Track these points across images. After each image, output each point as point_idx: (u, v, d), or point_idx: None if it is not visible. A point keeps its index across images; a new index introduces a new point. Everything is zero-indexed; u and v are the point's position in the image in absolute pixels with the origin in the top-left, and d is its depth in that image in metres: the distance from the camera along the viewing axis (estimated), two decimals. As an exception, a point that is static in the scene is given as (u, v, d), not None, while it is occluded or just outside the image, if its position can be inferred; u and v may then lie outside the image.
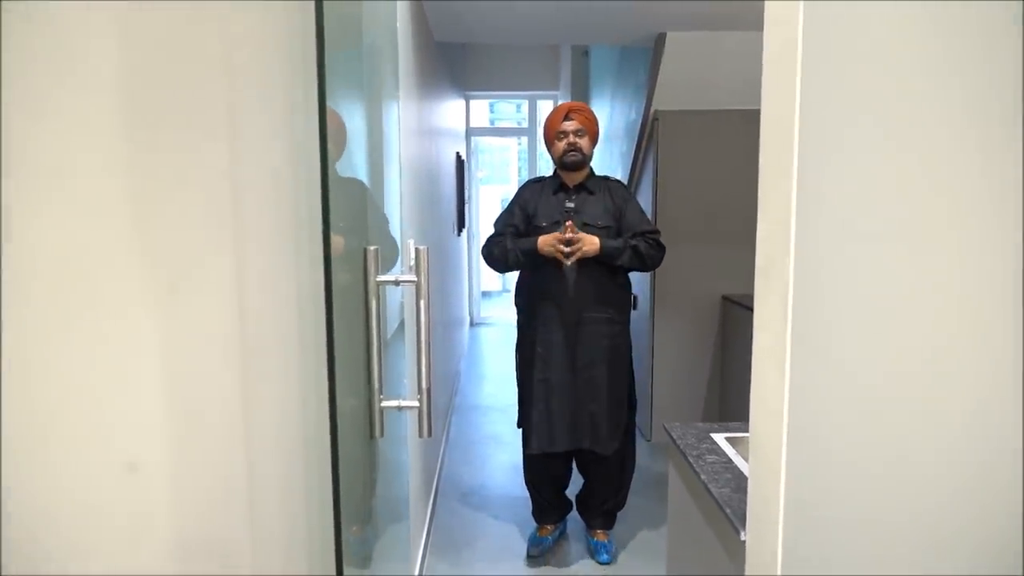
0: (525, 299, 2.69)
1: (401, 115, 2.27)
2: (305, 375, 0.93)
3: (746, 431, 1.57)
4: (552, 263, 2.54)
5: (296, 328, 0.90)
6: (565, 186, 2.65)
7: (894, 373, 0.93)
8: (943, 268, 0.92)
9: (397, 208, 1.99)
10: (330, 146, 1.28)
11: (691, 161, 3.63)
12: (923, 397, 0.94)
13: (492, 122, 9.39)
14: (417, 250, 1.44)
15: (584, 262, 2.52)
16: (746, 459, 1.43)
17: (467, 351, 6.41)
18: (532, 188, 2.72)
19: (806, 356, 0.92)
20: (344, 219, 1.30)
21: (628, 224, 2.60)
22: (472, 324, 7.61)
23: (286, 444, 0.86)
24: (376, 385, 1.41)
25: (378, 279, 1.42)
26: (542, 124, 2.81)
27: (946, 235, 0.91)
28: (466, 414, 4.59)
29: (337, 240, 1.32)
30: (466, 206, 6.31)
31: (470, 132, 7.17)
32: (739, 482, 1.26)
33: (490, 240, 2.68)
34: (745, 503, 1.15)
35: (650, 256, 2.58)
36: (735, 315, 3.56)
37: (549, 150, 2.66)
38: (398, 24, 2.15)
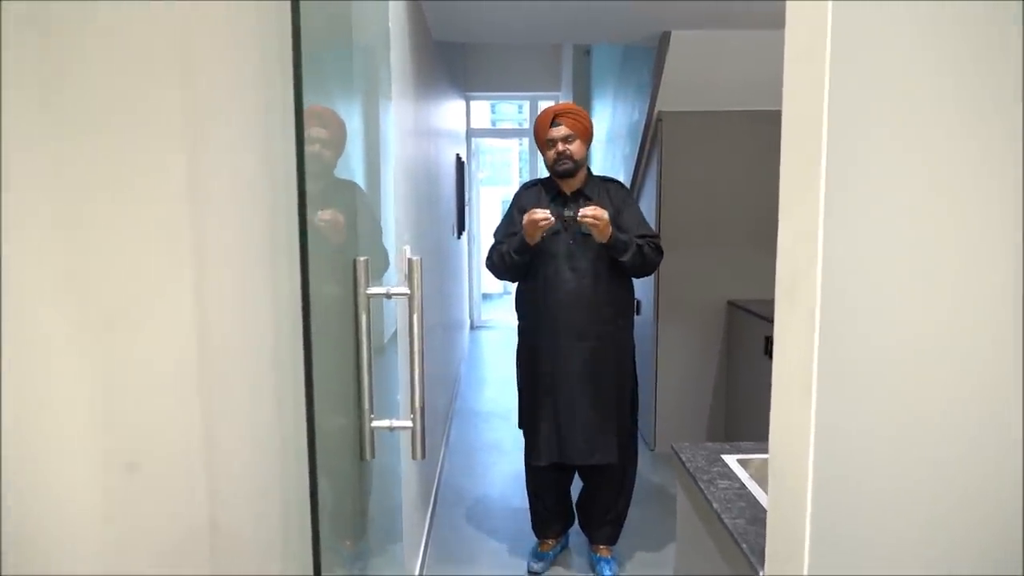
0: (526, 306, 2.60)
1: (397, 116, 2.19)
2: (283, 398, 0.84)
3: (758, 451, 1.49)
4: (551, 265, 2.46)
5: (271, 351, 0.81)
6: (562, 193, 2.56)
7: (932, 398, 0.85)
8: (985, 284, 0.83)
9: (391, 212, 1.90)
10: (328, 149, 1.20)
11: (695, 163, 3.54)
12: (965, 425, 0.85)
13: (494, 123, 9.31)
14: (410, 261, 1.36)
15: (585, 267, 2.44)
16: (760, 484, 1.34)
17: (467, 355, 6.32)
18: (530, 193, 2.63)
19: (835, 381, 0.84)
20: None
21: (625, 227, 2.51)
22: (472, 327, 7.52)
23: (258, 479, 0.78)
24: (366, 405, 1.32)
25: (369, 291, 1.33)
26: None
27: (990, 248, 0.83)
28: (466, 420, 4.50)
29: (337, 218, 1.23)
30: (466, 208, 6.23)
31: (471, 133, 7.09)
32: (755, 511, 1.18)
33: (491, 250, 2.61)
34: (762, 536, 1.07)
35: (650, 260, 2.50)
36: (741, 320, 3.47)
37: (542, 156, 2.57)
38: (393, 23, 2.07)
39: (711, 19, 3.00)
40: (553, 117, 2.48)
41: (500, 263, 2.54)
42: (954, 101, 0.81)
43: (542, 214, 2.34)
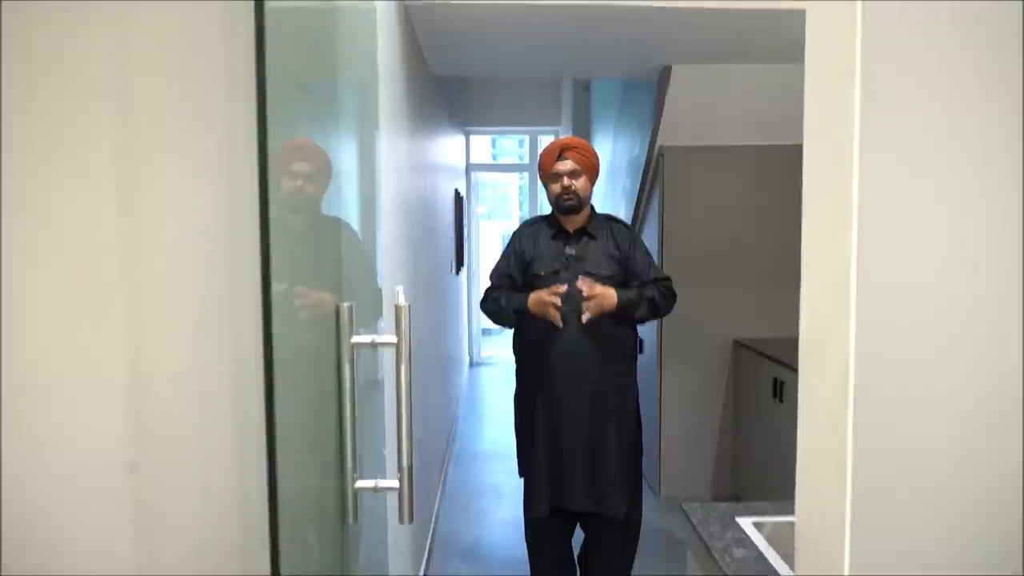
0: (524, 348, 2.50)
1: (392, 151, 2.11)
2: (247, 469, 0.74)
3: (773, 512, 1.38)
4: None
5: (231, 419, 0.71)
6: (564, 231, 2.47)
7: (983, 470, 0.74)
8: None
9: (381, 250, 1.81)
10: (311, 184, 1.12)
11: (698, 198, 3.47)
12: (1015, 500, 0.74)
13: (495, 157, 9.30)
14: (397, 307, 1.27)
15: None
16: (777, 549, 1.23)
17: (466, 392, 6.19)
18: (529, 232, 2.53)
19: (872, 453, 0.74)
20: (316, 270, 1.12)
21: (636, 272, 2.43)
22: (472, 364, 7.40)
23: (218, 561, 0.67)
24: (349, 464, 1.22)
25: (354, 341, 1.24)
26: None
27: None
28: (464, 462, 4.36)
29: (324, 298, 1.14)
30: (465, 243, 6.16)
31: (470, 168, 7.06)
32: (776, 585, 1.06)
33: (487, 293, 2.52)
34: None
35: (664, 308, 2.44)
36: (748, 360, 3.37)
37: (546, 191, 2.49)
38: (388, 57, 2.01)
39: (712, 53, 2.95)
40: (560, 151, 2.41)
41: (496, 313, 2.46)
42: (1000, 139, 0.72)
43: (555, 299, 2.25)
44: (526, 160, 7.29)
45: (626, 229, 2.53)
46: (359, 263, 1.50)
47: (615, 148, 4.68)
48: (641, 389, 2.63)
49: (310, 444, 1.05)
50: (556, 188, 2.41)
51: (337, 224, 1.46)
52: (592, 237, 2.45)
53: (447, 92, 4.76)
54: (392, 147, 2.11)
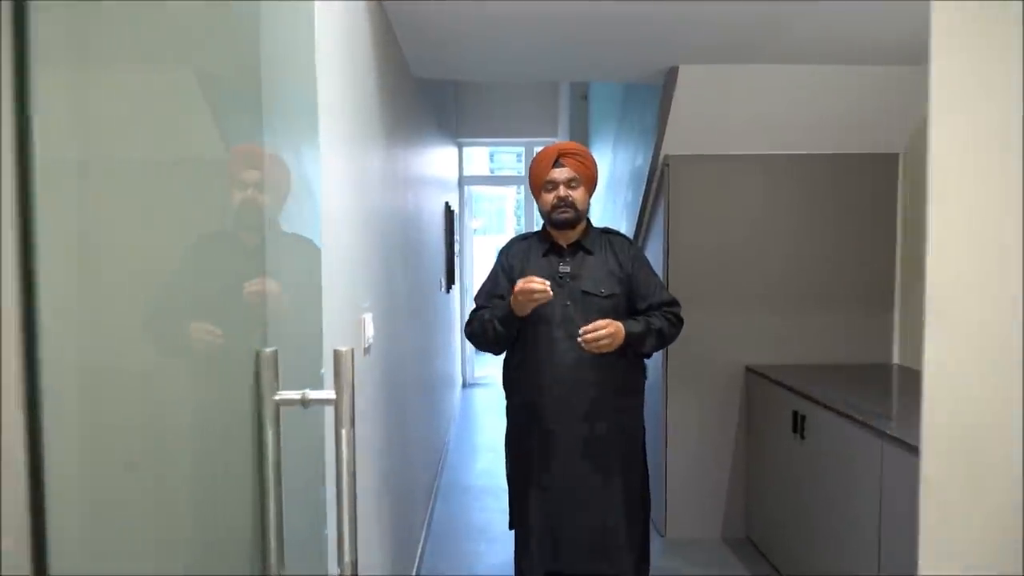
0: (515, 383, 2.20)
1: (360, 161, 1.82)
2: None
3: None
4: (544, 333, 2.07)
5: None
6: (558, 246, 2.18)
7: None
8: None
9: (334, 275, 1.51)
10: (263, 194, 0.94)
11: (707, 212, 3.17)
12: None
13: (493, 171, 9.03)
14: (337, 354, 0.98)
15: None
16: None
17: (458, 416, 5.87)
18: (518, 248, 2.25)
19: None
20: (213, 303, 0.84)
21: (641, 293, 2.14)
22: (465, 385, 7.08)
23: None
24: (272, 559, 0.93)
25: (278, 397, 0.96)
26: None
27: None
28: (453, 497, 4.04)
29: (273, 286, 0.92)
30: (457, 259, 5.87)
31: (463, 181, 6.78)
32: None
33: (472, 315, 2.23)
34: None
35: (671, 338, 2.17)
36: (762, 389, 3.06)
37: (537, 201, 2.20)
38: (348, 57, 1.72)
39: (724, 52, 2.67)
40: (557, 156, 2.12)
41: (481, 334, 2.15)
42: None
43: (539, 283, 1.94)
44: (522, 172, 7.01)
45: (627, 243, 2.24)
46: (307, 295, 1.21)
47: (615, 159, 4.39)
48: (647, 420, 2.33)
49: (208, 530, 0.77)
50: (550, 198, 2.12)
51: (306, 246, 1.19)
52: (589, 252, 2.16)
53: (436, 101, 4.48)
54: (358, 159, 1.83)
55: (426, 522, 3.53)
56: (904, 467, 1.99)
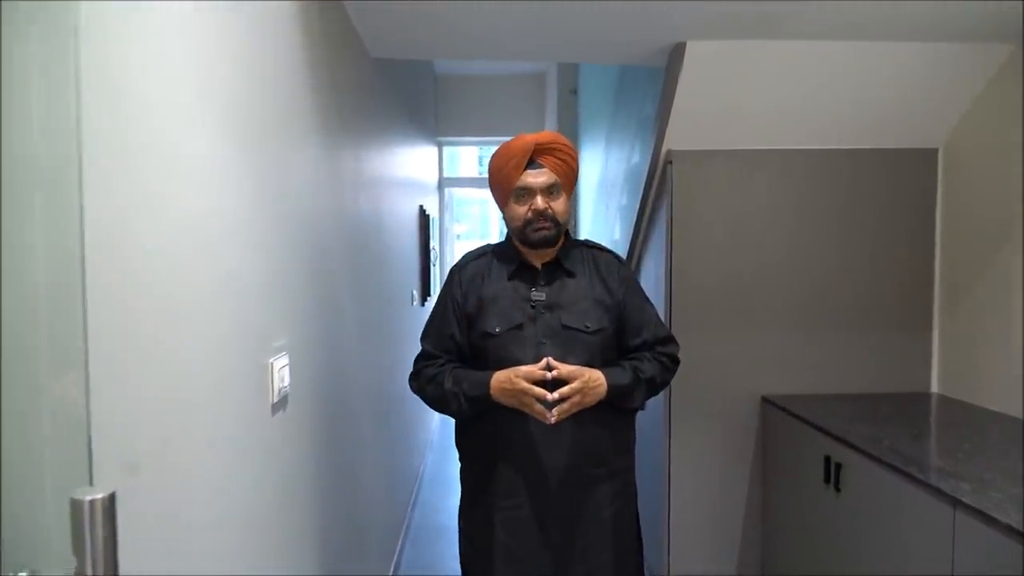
0: (474, 447, 1.72)
1: (283, 162, 1.35)
2: None
3: None
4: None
5: None
6: (528, 266, 1.68)
7: None
8: None
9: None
10: None
11: (716, 218, 2.72)
12: None
13: (482, 173, 8.54)
14: (76, 506, 0.47)
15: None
16: None
17: (435, 440, 5.38)
18: (473, 270, 1.72)
19: None
20: None
21: (633, 325, 1.68)
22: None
23: None
24: None
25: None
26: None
27: None
28: (425, 541, 3.55)
29: None
30: (433, 267, 5.39)
31: (443, 183, 6.31)
32: None
33: (418, 367, 1.73)
34: None
35: (663, 385, 1.71)
36: (781, 425, 2.60)
37: (502, 211, 1.70)
38: (260, 35, 1.25)
39: (739, 25, 2.21)
40: (532, 153, 1.61)
41: (439, 401, 1.66)
42: None
43: (538, 390, 1.51)
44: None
45: (615, 263, 1.73)
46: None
47: (608, 158, 3.94)
48: (646, 459, 1.86)
49: None
50: (522, 211, 1.62)
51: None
52: (570, 274, 1.66)
53: (410, 94, 4.02)
54: (280, 159, 1.36)
55: (393, 567, 3.05)
56: (987, 545, 1.53)
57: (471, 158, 8.74)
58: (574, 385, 1.51)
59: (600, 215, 4.04)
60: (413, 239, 4.18)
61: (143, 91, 0.85)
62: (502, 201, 1.66)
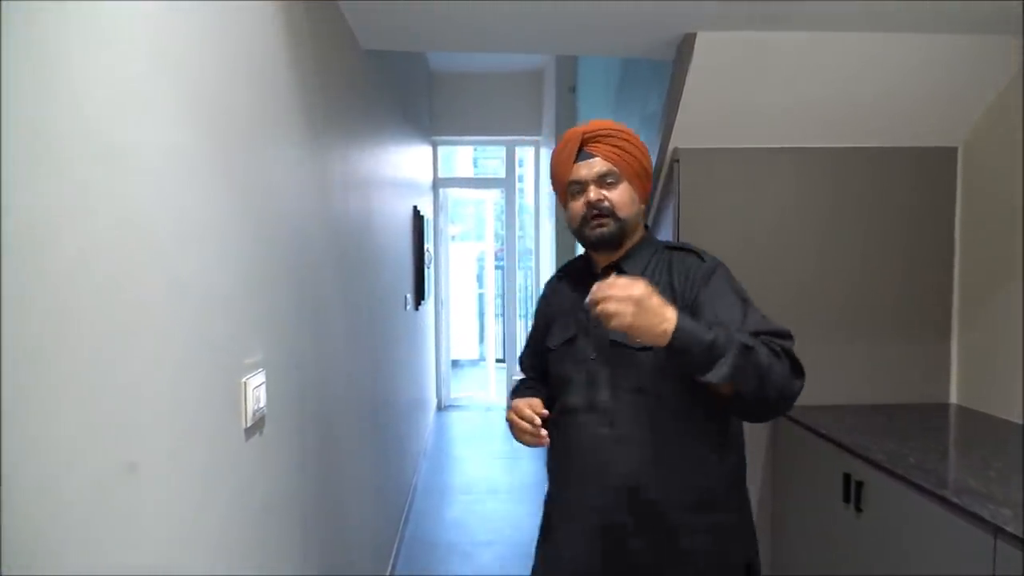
0: (549, 467, 1.57)
1: (258, 160, 1.21)
2: None
3: None
4: (568, 400, 1.44)
5: None
6: (594, 273, 1.49)
7: None
8: None
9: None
10: None
11: (725, 219, 2.59)
12: None
13: (478, 174, 8.40)
14: None
15: (624, 405, 1.36)
16: None
17: (430, 447, 5.24)
18: (555, 281, 1.61)
19: None
20: None
21: (709, 323, 1.29)
22: (440, 408, 6.45)
23: None
24: None
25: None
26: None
27: None
28: (419, 554, 3.40)
29: None
30: (428, 269, 5.25)
31: (438, 183, 6.16)
32: None
33: (518, 383, 1.66)
34: None
35: (777, 375, 1.24)
36: (794, 437, 2.47)
37: (565, 213, 1.50)
38: (241, 30, 1.10)
39: (754, 14, 2.08)
40: (581, 142, 1.40)
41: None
42: None
43: (527, 422, 1.36)
44: (501, 174, 6.40)
45: (695, 261, 1.41)
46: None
47: (608, 157, 3.80)
48: None
49: None
50: (578, 207, 1.41)
51: None
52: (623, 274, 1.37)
53: (404, 92, 3.88)
54: (257, 153, 1.22)
55: (383, 593, 2.91)
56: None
57: (466, 158, 8.61)
58: (603, 288, 1.16)
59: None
60: (407, 241, 4.04)
61: (76, 67, 0.71)
62: (563, 201, 1.48)
